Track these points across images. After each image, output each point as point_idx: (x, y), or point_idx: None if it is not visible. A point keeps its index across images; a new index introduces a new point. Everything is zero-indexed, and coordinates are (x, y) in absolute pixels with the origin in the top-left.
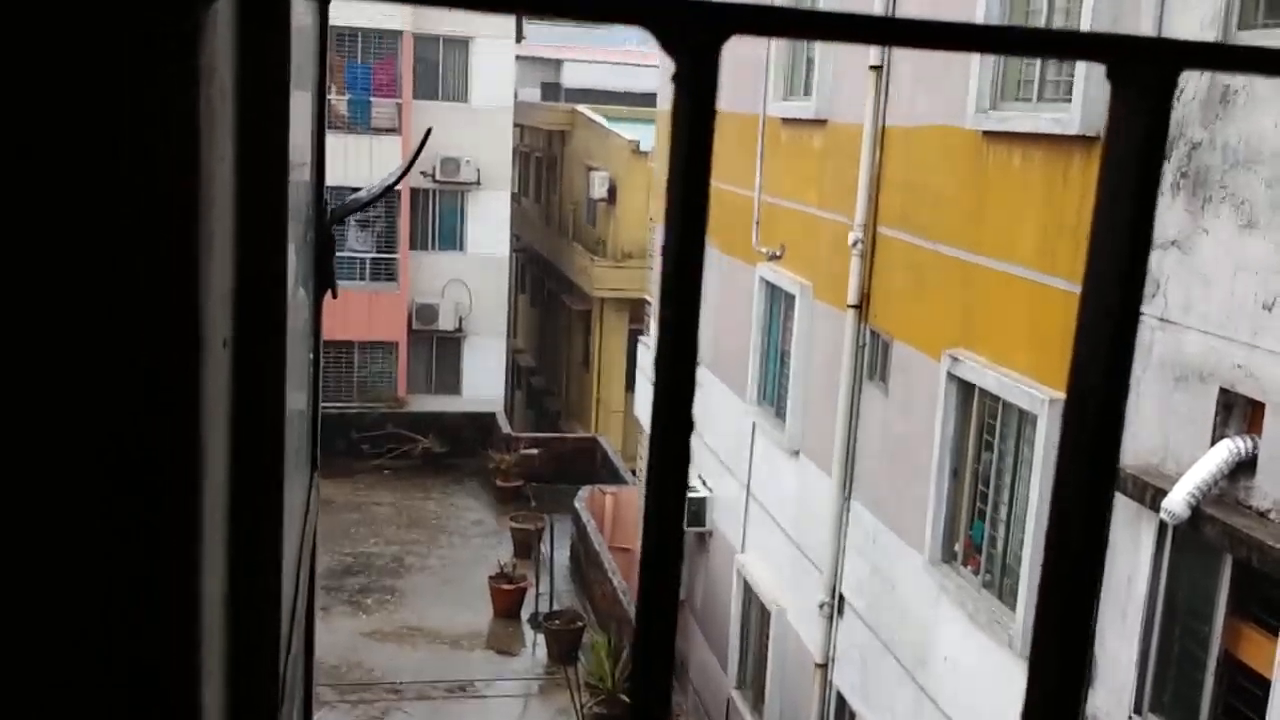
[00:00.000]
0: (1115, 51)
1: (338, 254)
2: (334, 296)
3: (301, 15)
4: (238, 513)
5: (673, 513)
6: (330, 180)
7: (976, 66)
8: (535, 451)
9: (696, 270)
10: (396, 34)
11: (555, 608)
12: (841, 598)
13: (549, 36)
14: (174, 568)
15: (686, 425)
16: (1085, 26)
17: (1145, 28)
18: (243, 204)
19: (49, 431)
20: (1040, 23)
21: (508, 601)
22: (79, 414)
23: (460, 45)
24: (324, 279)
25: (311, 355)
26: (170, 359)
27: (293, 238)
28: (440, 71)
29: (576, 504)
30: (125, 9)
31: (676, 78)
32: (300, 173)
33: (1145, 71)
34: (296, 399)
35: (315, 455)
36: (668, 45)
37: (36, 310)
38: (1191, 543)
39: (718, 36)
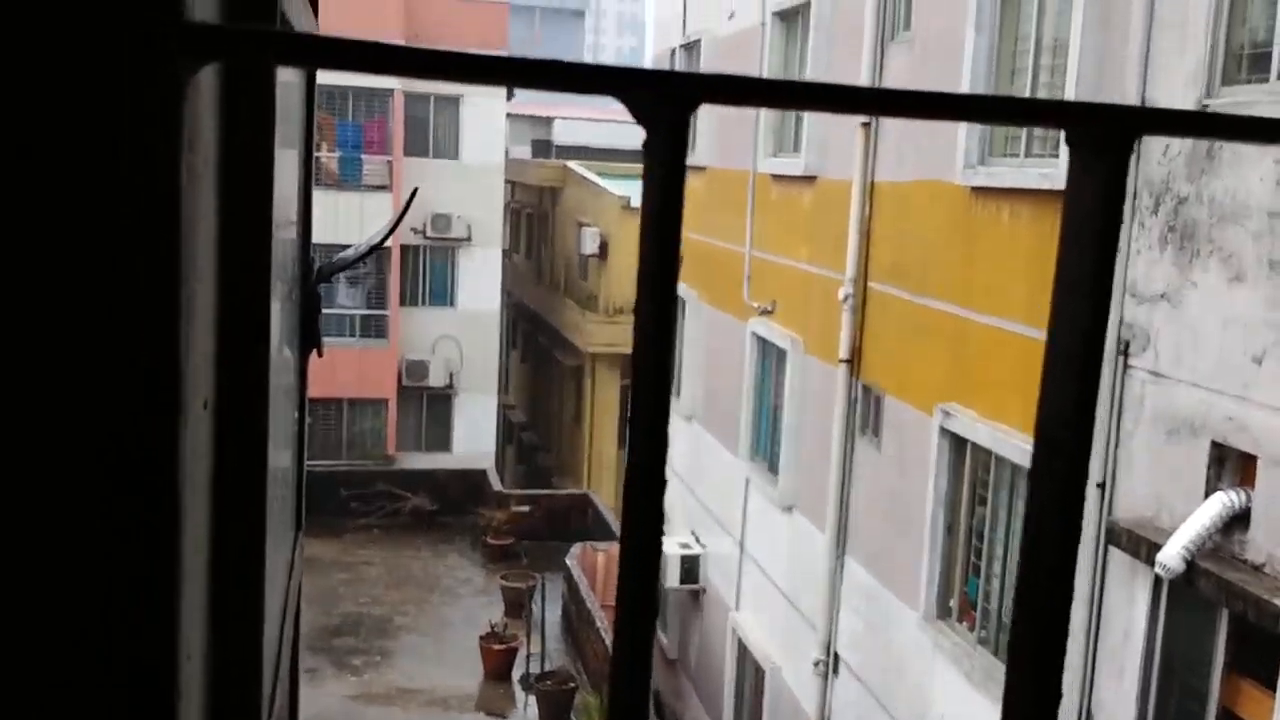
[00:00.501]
0: (1073, 118)
1: (327, 310)
2: (319, 355)
3: (288, 73)
4: (218, 576)
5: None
6: (321, 237)
7: (964, 123)
8: (526, 508)
9: (668, 328)
10: (388, 92)
11: (547, 668)
12: (836, 655)
13: (540, 94)
14: (152, 633)
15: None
16: (1071, 82)
17: (1130, 84)
18: (225, 266)
19: (20, 497)
20: (1026, 79)
21: (498, 662)
22: (53, 481)
23: (451, 103)
24: (310, 338)
25: (297, 414)
26: (149, 422)
27: (278, 296)
28: (431, 129)
29: (568, 561)
30: (108, 75)
31: (646, 145)
32: (286, 230)
33: (1102, 137)
34: (281, 458)
35: (300, 515)
36: (638, 115)
37: (9, 374)
38: (1187, 597)
39: (686, 106)
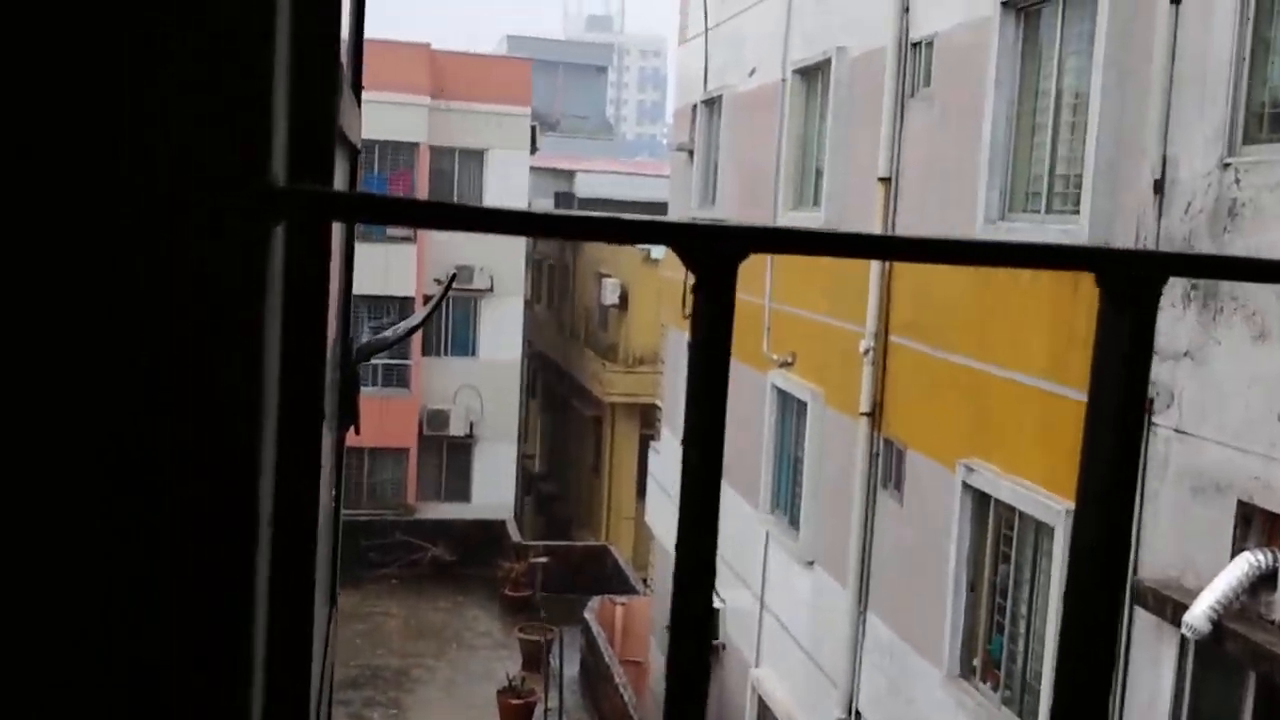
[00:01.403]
0: (1103, 262)
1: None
2: (357, 433)
3: (341, 165)
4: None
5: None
6: None
7: (985, 177)
8: (544, 560)
9: (717, 456)
10: (413, 146)
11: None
12: (858, 713)
13: (563, 147)
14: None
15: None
16: (1091, 139)
17: (1150, 142)
18: (285, 397)
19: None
20: (1047, 136)
21: (516, 716)
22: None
23: (475, 156)
24: (348, 415)
25: (334, 491)
26: (230, 545)
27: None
28: (455, 181)
29: (586, 615)
30: (198, 234)
31: (697, 288)
32: (330, 317)
33: (1133, 280)
34: (321, 539)
35: (334, 591)
36: (689, 262)
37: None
38: (1214, 659)
39: (736, 254)
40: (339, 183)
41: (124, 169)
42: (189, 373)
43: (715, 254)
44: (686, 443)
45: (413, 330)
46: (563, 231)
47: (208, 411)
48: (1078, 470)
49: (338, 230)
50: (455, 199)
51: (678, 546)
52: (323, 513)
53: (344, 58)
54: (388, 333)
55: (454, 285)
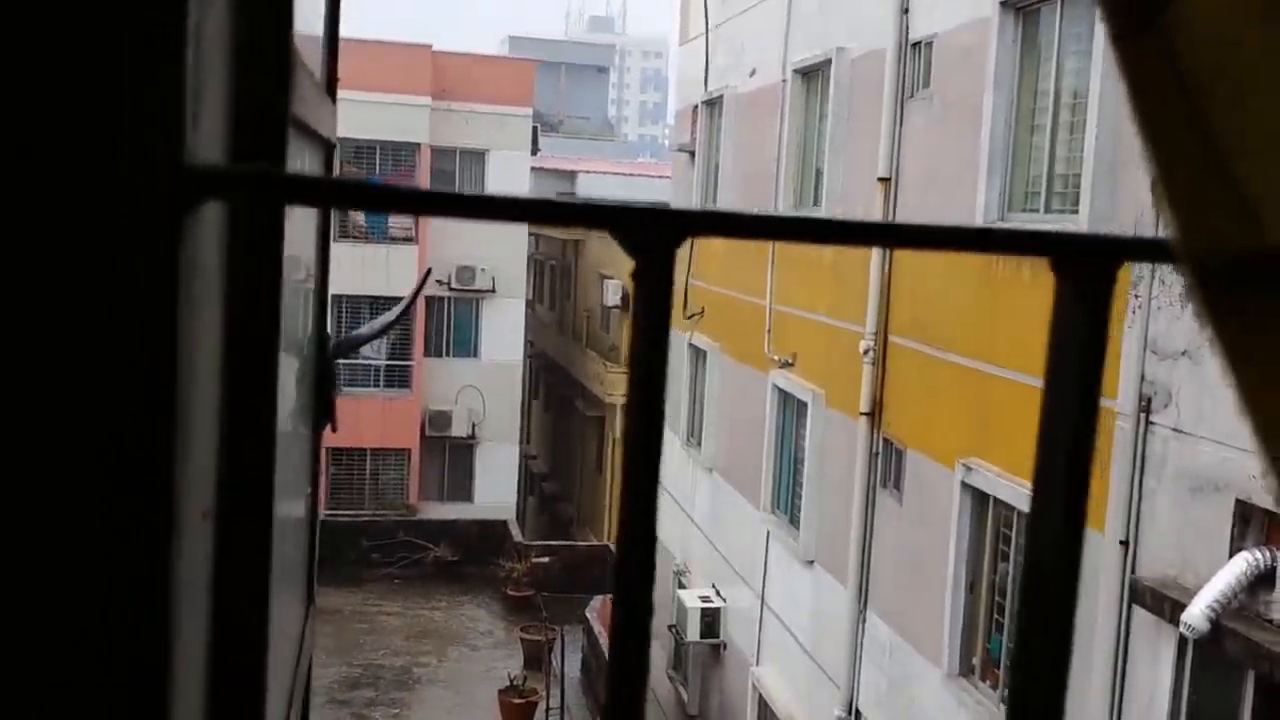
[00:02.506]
0: (1057, 246)
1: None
2: (333, 430)
3: (312, 159)
4: (217, 685)
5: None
6: (348, 289)
7: (984, 177)
8: (546, 560)
9: (656, 448)
10: (414, 146)
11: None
12: (859, 712)
13: (564, 148)
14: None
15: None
16: (1090, 138)
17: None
18: (231, 377)
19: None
20: (1046, 137)
21: (518, 716)
22: (52, 611)
23: (477, 157)
24: (324, 413)
25: (309, 489)
26: (142, 542)
27: (293, 375)
28: (457, 182)
29: (588, 614)
30: (106, 217)
31: (635, 275)
32: (303, 308)
33: (1087, 265)
34: (291, 536)
35: (312, 591)
36: (628, 247)
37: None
38: (1213, 658)
39: (673, 239)
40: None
41: (15, 143)
42: (90, 362)
43: (652, 238)
44: (626, 430)
45: (389, 326)
46: (492, 213)
47: (113, 401)
48: (1034, 457)
49: (305, 221)
50: None
51: (619, 540)
52: (295, 511)
53: (319, 54)
54: (363, 329)
55: (457, 287)
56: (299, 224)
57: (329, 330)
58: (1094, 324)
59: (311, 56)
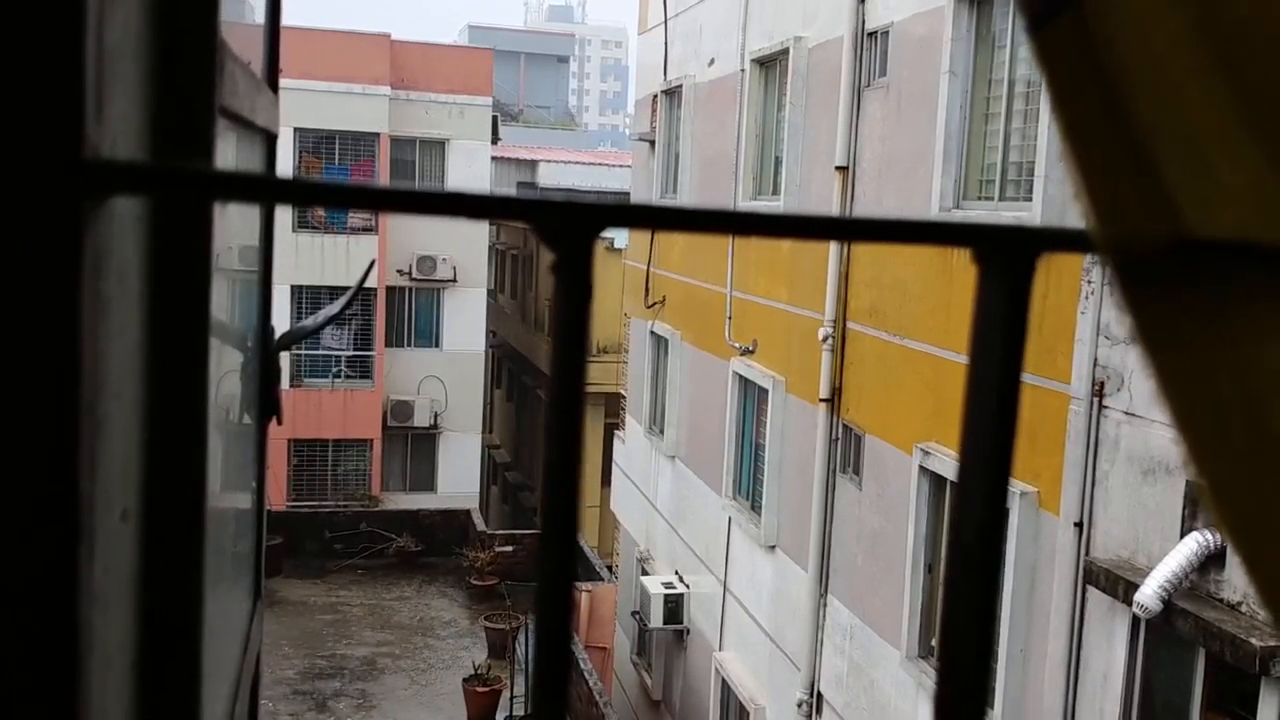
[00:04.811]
0: (979, 237)
1: (315, 352)
2: (279, 423)
3: (249, 150)
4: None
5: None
6: (309, 279)
7: (939, 165)
8: (510, 549)
9: (576, 437)
10: (374, 136)
11: (530, 710)
12: (820, 695)
13: (525, 138)
14: None
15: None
16: (1044, 127)
17: None
18: (155, 374)
19: None
20: (1000, 125)
21: (482, 704)
22: None
23: (436, 146)
24: (268, 406)
25: (255, 483)
26: (44, 542)
27: (236, 367)
28: (417, 172)
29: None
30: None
31: (554, 267)
32: (246, 300)
33: (1008, 256)
34: (238, 527)
35: (259, 584)
36: (546, 239)
37: None
38: (1165, 637)
39: (589, 231)
40: (244, 168)
41: None
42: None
43: (570, 230)
44: (548, 417)
45: (332, 319)
46: (414, 207)
47: (8, 399)
48: (959, 437)
49: (249, 212)
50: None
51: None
52: (239, 504)
53: (259, 44)
54: (307, 321)
55: (418, 277)
56: (242, 215)
57: (277, 322)
58: (1015, 312)
59: (250, 46)
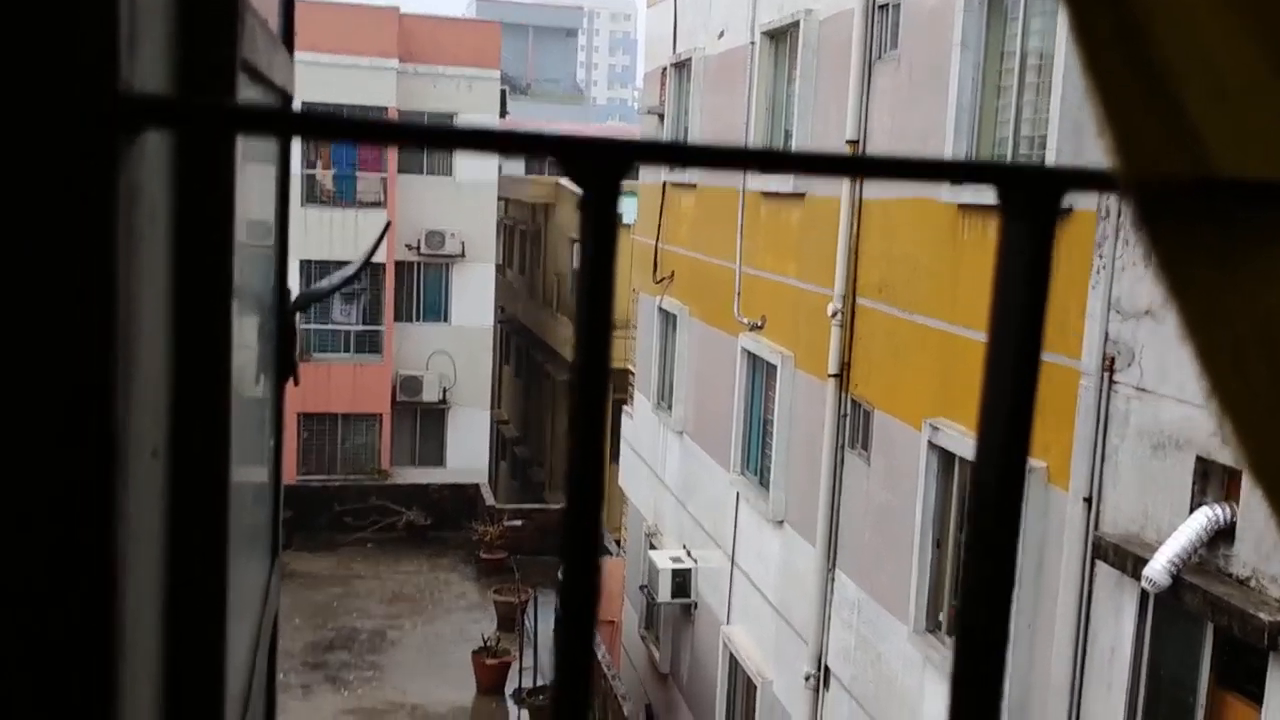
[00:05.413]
0: (1002, 176)
1: (324, 326)
2: (295, 384)
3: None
4: (175, 624)
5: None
6: (318, 254)
7: (950, 138)
8: (519, 523)
9: (603, 381)
10: (382, 110)
11: (540, 682)
12: (827, 669)
13: (533, 111)
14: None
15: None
16: (1055, 99)
17: None
18: (180, 315)
19: None
20: (1012, 98)
21: (491, 676)
22: None
23: (445, 120)
24: (285, 367)
25: (272, 441)
26: (84, 476)
27: (253, 327)
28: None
29: (560, 576)
30: (40, 145)
31: (582, 204)
32: (260, 263)
33: (1030, 196)
34: (254, 486)
35: (277, 540)
36: (573, 176)
37: None
38: (1173, 612)
39: (618, 167)
40: None
41: None
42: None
43: (598, 165)
44: (574, 369)
45: (348, 280)
46: (440, 142)
47: (46, 324)
48: (981, 385)
49: (264, 178)
50: (425, 163)
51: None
52: (258, 459)
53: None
54: (323, 283)
55: (426, 252)
56: (258, 181)
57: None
58: (1038, 253)
59: (267, 6)
